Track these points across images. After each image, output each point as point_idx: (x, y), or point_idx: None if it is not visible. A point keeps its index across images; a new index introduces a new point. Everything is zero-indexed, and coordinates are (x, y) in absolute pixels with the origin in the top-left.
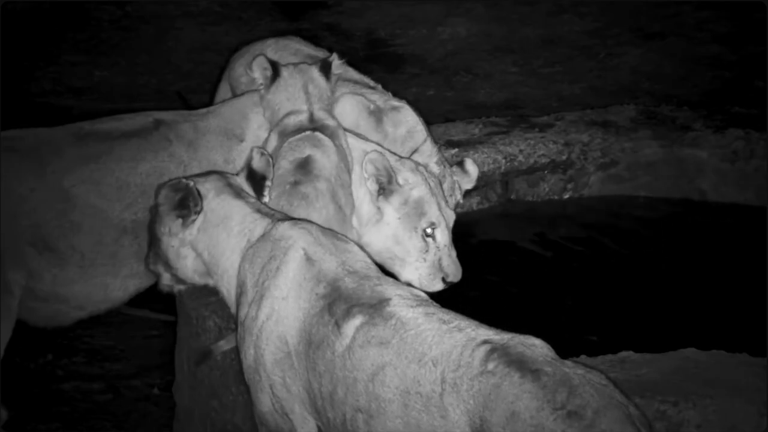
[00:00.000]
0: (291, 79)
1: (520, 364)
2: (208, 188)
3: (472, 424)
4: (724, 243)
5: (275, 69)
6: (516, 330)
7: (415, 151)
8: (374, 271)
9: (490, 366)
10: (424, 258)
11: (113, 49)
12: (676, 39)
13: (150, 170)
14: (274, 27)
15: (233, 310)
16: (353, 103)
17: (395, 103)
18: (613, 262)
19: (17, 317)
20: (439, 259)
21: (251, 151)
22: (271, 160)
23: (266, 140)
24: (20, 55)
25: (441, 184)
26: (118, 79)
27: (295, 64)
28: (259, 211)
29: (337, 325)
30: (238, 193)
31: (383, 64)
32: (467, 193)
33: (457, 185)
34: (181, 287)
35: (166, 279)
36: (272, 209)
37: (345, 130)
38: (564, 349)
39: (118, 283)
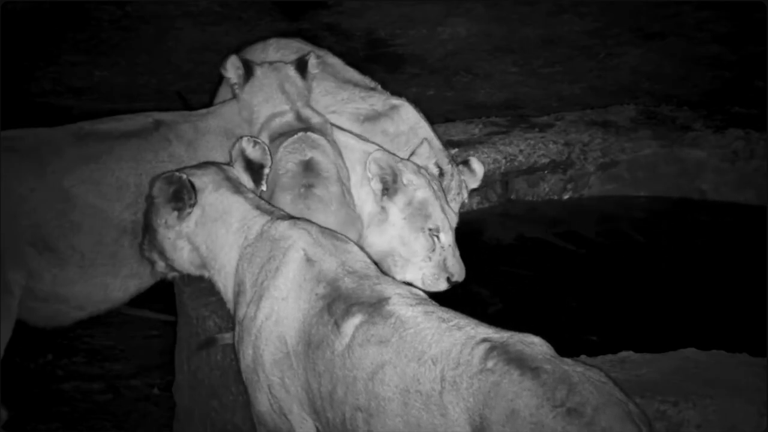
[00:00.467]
0: (266, 79)
1: (519, 361)
2: (205, 182)
3: (471, 422)
4: (724, 243)
5: (248, 68)
6: (516, 329)
7: (412, 153)
8: (374, 270)
9: (490, 364)
10: (430, 257)
11: (113, 49)
12: (676, 39)
13: (150, 170)
14: (274, 27)
15: (230, 306)
16: (341, 121)
17: (395, 102)
18: (613, 262)
19: (17, 317)
20: (444, 259)
21: (240, 141)
22: (266, 148)
23: None
24: (20, 55)
25: (442, 186)
26: (118, 79)
27: (269, 63)
28: (258, 207)
29: (337, 325)
30: (237, 188)
31: (383, 64)
32: (470, 192)
33: (464, 184)
34: (176, 274)
35: (160, 267)
36: (271, 206)
37: (345, 130)
38: (564, 349)
39: (118, 284)
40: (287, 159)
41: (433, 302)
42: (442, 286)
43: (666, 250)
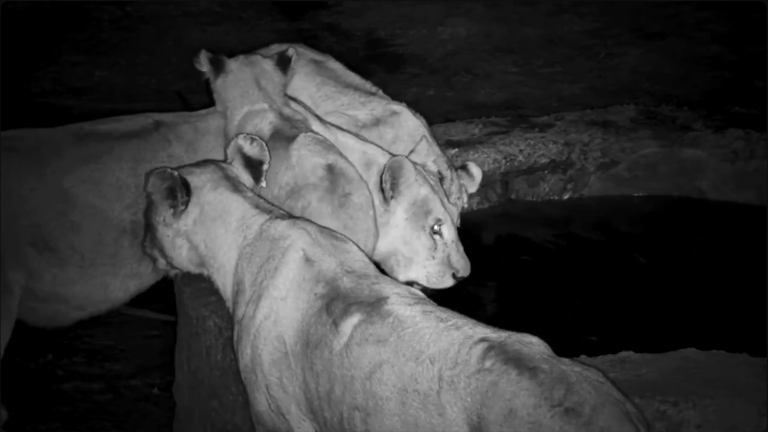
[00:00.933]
0: (241, 73)
1: (517, 361)
2: (204, 180)
3: (469, 421)
4: (724, 242)
5: (218, 62)
6: (514, 329)
7: (411, 151)
8: (372, 270)
9: (488, 364)
10: (433, 256)
11: (113, 49)
12: (676, 39)
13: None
14: (274, 27)
15: (229, 305)
16: (341, 125)
17: (394, 108)
18: (612, 262)
19: (17, 317)
20: (448, 256)
21: (236, 139)
22: (264, 144)
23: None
24: (20, 55)
25: (441, 183)
26: (118, 79)
27: (245, 55)
28: (257, 206)
29: (335, 324)
30: (236, 187)
31: (383, 64)
32: (469, 196)
33: (463, 188)
34: (177, 272)
35: (161, 264)
36: (270, 204)
37: (344, 130)
38: (564, 349)
39: (118, 284)
40: (310, 164)
41: (432, 302)
42: (448, 282)
43: (666, 249)
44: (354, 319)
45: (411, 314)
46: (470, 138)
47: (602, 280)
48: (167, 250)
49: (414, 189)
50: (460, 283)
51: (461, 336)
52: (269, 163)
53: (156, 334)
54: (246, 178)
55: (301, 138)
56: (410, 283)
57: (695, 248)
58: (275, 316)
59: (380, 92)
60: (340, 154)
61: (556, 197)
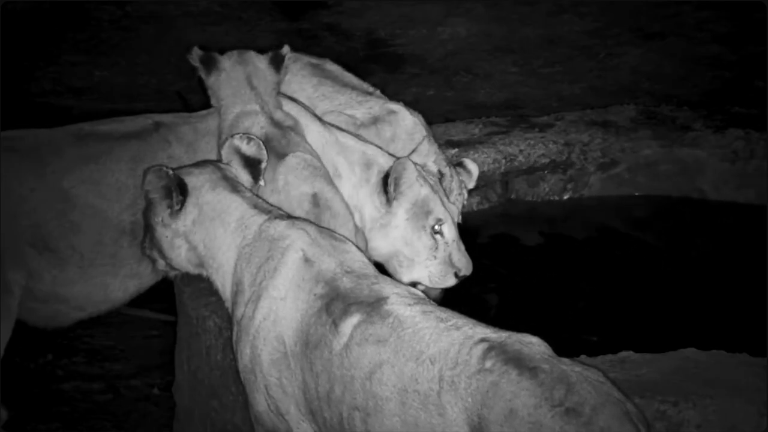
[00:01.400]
0: (233, 71)
1: (517, 361)
2: (202, 181)
3: (470, 421)
4: (724, 242)
5: (210, 59)
6: (514, 329)
7: (413, 151)
8: (372, 270)
9: (488, 364)
10: (435, 255)
11: (113, 49)
12: (676, 39)
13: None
14: (274, 27)
15: (228, 305)
16: (338, 124)
17: (392, 107)
18: (612, 262)
19: (17, 317)
20: (450, 255)
21: (232, 139)
22: (261, 143)
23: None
24: (20, 55)
25: (441, 182)
26: (118, 79)
27: (239, 51)
28: (256, 206)
29: (335, 324)
30: (235, 187)
31: (383, 64)
32: (468, 193)
33: (463, 185)
34: (177, 272)
35: (161, 265)
36: (269, 204)
37: (344, 131)
38: (564, 349)
39: (118, 284)
40: (297, 194)
41: (432, 302)
42: (450, 281)
43: (666, 249)
44: (354, 319)
45: (411, 314)
46: (470, 138)
47: (602, 280)
48: (166, 251)
49: (415, 189)
50: (460, 283)
51: (461, 336)
52: (267, 161)
53: (156, 334)
54: (245, 178)
55: (290, 160)
56: (414, 284)
57: (695, 248)
58: (274, 316)
59: (377, 92)
60: (327, 180)
61: (556, 197)
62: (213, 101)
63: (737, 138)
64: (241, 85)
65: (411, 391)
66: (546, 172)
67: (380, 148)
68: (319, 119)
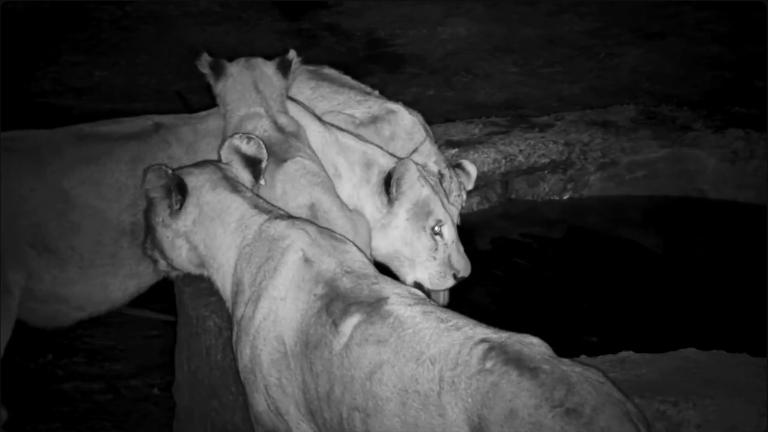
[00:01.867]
0: (240, 77)
1: (518, 362)
2: (202, 181)
3: (470, 422)
4: (724, 242)
5: (218, 66)
6: (515, 330)
7: (414, 151)
8: (372, 270)
9: (488, 364)
10: (434, 257)
11: (113, 49)
12: (676, 39)
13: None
14: (274, 27)
15: (228, 305)
16: (337, 123)
17: (391, 106)
18: (612, 262)
19: (17, 317)
20: (449, 256)
21: (232, 140)
22: (261, 142)
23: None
24: (20, 55)
25: (441, 183)
26: (118, 79)
27: (246, 58)
28: (256, 206)
29: (335, 324)
30: (235, 187)
31: (383, 64)
32: (467, 194)
33: (462, 187)
34: (178, 273)
35: (162, 266)
36: (270, 204)
37: (344, 131)
38: (564, 350)
39: (118, 284)
40: (294, 204)
41: (432, 302)
42: (449, 283)
43: (666, 249)
44: (354, 320)
45: (411, 314)
46: (470, 138)
47: (602, 280)
48: (167, 251)
49: (416, 190)
50: (461, 283)
51: (462, 337)
52: (267, 160)
53: (156, 334)
54: (245, 177)
55: (289, 167)
56: (418, 285)
57: (695, 248)
58: (274, 316)
59: (376, 93)
60: (325, 188)
61: (556, 197)
62: (221, 108)
63: (737, 138)
64: (247, 89)
65: (411, 391)
66: (546, 172)
67: (380, 147)
68: (319, 119)
